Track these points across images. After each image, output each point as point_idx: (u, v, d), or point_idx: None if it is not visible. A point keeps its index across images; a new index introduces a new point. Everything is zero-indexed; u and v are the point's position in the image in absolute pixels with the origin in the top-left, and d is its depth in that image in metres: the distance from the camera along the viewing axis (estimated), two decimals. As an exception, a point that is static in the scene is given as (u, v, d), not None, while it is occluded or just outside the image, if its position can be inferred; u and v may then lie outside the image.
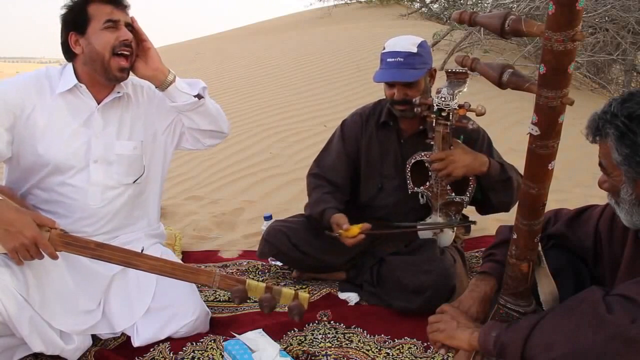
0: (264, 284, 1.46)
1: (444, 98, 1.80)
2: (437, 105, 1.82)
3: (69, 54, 1.70)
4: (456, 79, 1.89)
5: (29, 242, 1.42)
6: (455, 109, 1.80)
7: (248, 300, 1.99)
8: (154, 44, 1.75)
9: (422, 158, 1.98)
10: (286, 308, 1.48)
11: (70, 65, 1.72)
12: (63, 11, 1.67)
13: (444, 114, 1.83)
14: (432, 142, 1.92)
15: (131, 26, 1.69)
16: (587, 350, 1.07)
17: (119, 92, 1.75)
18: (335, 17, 14.62)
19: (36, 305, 1.53)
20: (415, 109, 1.90)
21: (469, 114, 1.84)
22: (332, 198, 2.09)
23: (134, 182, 1.81)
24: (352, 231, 1.89)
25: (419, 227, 2.06)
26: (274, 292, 1.45)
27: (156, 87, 1.76)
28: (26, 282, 1.52)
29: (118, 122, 1.77)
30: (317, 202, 2.09)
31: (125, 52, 1.66)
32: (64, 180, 1.69)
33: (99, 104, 1.73)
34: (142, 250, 1.57)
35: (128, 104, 1.81)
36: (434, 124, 1.88)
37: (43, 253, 1.46)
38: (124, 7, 1.68)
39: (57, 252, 1.48)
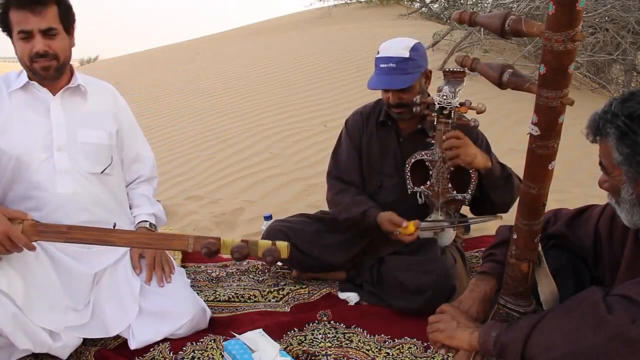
0: (240, 239, 1.43)
1: (446, 96, 1.81)
2: (438, 103, 1.83)
3: None
4: (454, 78, 1.89)
5: (2, 236, 1.42)
6: (456, 106, 1.81)
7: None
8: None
9: (422, 157, 1.98)
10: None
11: None
12: None
13: (445, 112, 1.83)
14: (432, 141, 1.92)
15: (55, 30, 1.64)
16: (587, 350, 1.07)
17: (72, 84, 1.78)
18: (335, 17, 14.59)
19: (19, 302, 1.51)
20: (414, 109, 1.90)
21: (470, 113, 1.84)
22: (366, 198, 2.09)
23: (102, 172, 1.80)
24: (409, 229, 1.88)
25: (457, 223, 2.03)
26: (250, 244, 1.41)
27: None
28: (6, 279, 1.50)
29: (80, 111, 1.80)
30: (352, 204, 2.07)
31: (43, 62, 1.66)
32: (30, 172, 1.69)
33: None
34: (114, 226, 1.57)
35: (92, 96, 1.84)
36: (435, 123, 1.88)
37: (20, 245, 1.45)
38: (39, 11, 1.61)
39: (35, 244, 1.47)
